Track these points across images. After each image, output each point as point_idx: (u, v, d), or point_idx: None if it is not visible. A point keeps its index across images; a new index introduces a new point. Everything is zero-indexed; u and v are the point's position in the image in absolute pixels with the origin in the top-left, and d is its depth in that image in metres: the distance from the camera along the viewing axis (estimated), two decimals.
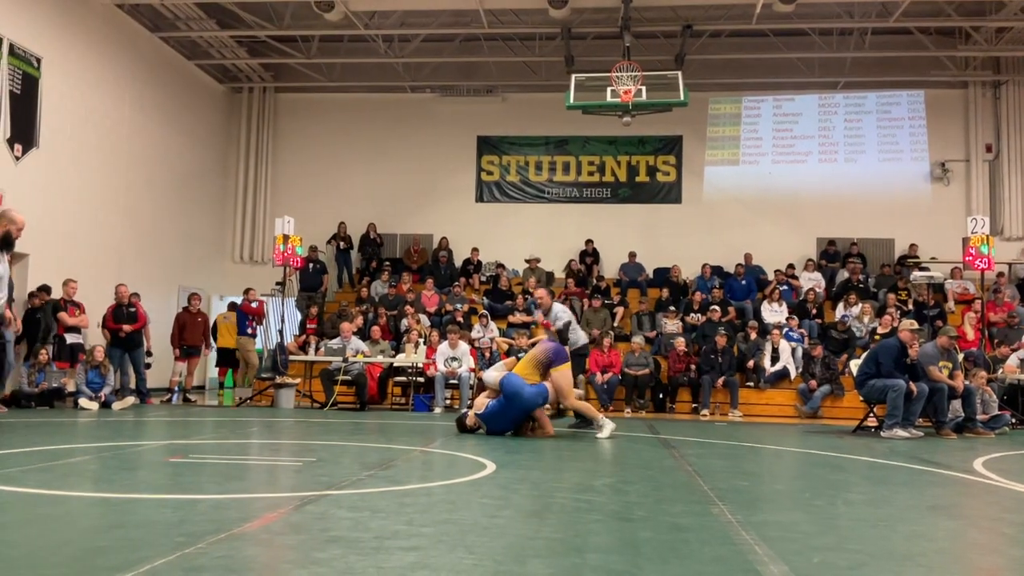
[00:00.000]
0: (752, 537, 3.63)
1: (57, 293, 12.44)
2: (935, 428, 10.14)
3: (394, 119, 19.64)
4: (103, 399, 11.59)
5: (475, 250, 18.56)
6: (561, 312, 10.23)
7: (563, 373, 8.43)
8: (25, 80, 12.89)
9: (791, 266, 17.64)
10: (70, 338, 12.43)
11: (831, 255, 18.18)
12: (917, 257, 17.67)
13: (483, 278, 18.26)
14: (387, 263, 18.29)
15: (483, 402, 8.58)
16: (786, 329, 14.84)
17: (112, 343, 12.67)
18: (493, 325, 14.99)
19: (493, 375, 8.67)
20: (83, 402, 11.38)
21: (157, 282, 16.02)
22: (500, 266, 18.10)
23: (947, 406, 10.14)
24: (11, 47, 12.59)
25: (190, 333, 14.20)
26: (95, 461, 5.96)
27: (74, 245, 13.69)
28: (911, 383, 9.70)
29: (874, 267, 17.91)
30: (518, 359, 8.92)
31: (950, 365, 10.43)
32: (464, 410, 8.87)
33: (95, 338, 13.00)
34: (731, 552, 3.37)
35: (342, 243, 18.69)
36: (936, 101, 18.70)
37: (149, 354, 13.84)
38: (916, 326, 10.45)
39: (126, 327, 12.68)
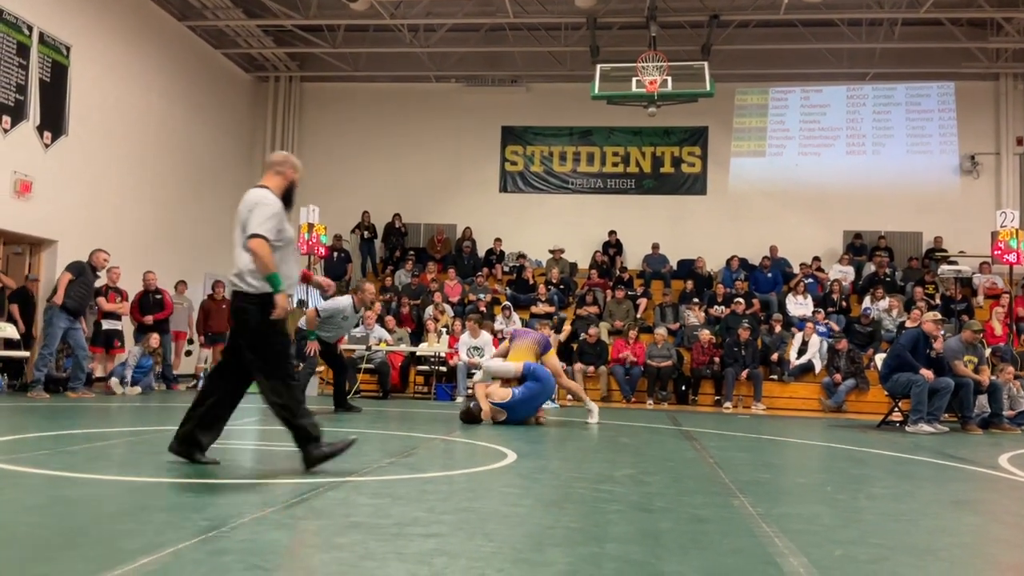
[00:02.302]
0: (773, 529, 3.62)
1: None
2: (960, 423, 10.07)
3: (419, 109, 19.67)
4: (127, 383, 11.77)
5: (498, 240, 18.56)
6: None
7: (553, 358, 9.22)
8: (55, 68, 13.02)
9: (817, 259, 17.50)
10: (107, 324, 12.55)
11: (858, 248, 18.01)
12: (945, 251, 17.48)
13: (506, 268, 18.27)
14: (411, 252, 18.35)
15: (505, 392, 8.61)
16: (814, 323, 14.75)
17: (139, 330, 12.81)
18: (516, 316, 14.99)
19: (499, 364, 8.93)
20: (112, 384, 11.58)
21: (184, 270, 16.15)
22: (522, 256, 18.09)
23: (973, 401, 10.05)
24: (41, 36, 12.72)
25: (215, 320, 14.32)
26: (121, 445, 6.04)
27: (102, 232, 13.80)
28: (926, 371, 9.62)
29: (901, 261, 17.72)
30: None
31: (975, 360, 10.33)
32: (471, 403, 8.96)
33: (128, 324, 13.15)
34: (751, 544, 3.36)
35: (366, 232, 18.76)
36: (967, 93, 18.44)
37: (191, 342, 14.00)
38: (939, 317, 10.37)
39: (149, 317, 12.79)
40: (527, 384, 8.59)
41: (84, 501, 3.88)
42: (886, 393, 10.58)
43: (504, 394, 8.60)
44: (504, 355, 9.12)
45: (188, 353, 13.74)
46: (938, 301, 15.45)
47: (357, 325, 13.71)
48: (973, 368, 10.22)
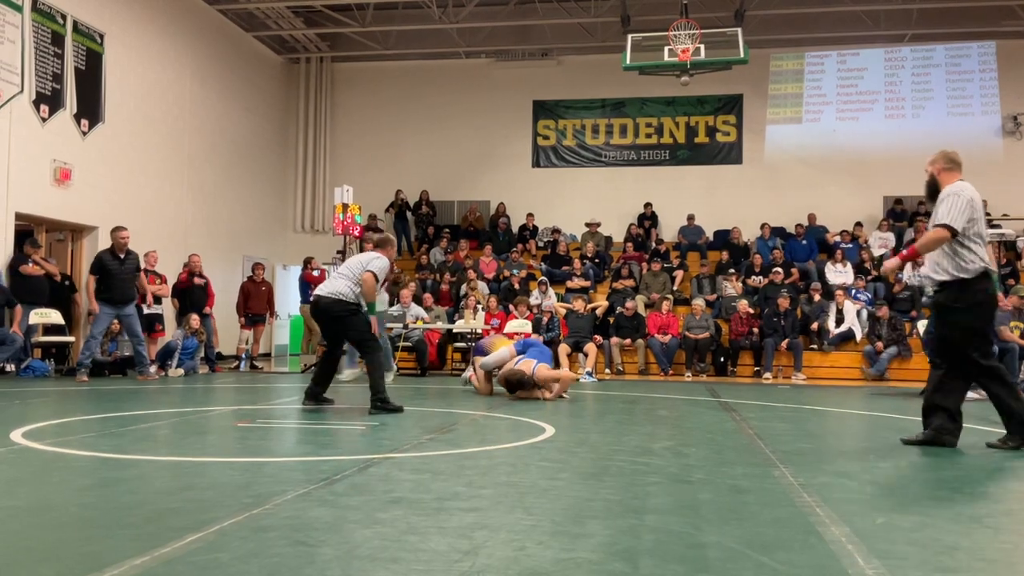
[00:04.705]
0: (814, 499, 3.60)
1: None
2: None
3: (450, 86, 19.63)
4: (169, 367, 11.95)
5: (530, 215, 18.55)
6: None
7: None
8: (89, 56, 13.16)
9: (859, 224, 17.21)
10: (147, 308, 12.70)
11: (899, 214, 17.72)
12: (988, 214, 17.11)
13: (540, 243, 18.24)
14: (446, 230, 18.37)
15: (531, 362, 8.77)
16: (853, 291, 14.57)
17: (180, 312, 12.96)
18: (552, 291, 14.99)
19: (491, 357, 9.22)
20: (151, 372, 11.77)
21: (222, 252, 16.34)
22: (556, 231, 18.05)
23: (1018, 367, 9.90)
24: (75, 24, 12.86)
25: (255, 302, 14.48)
26: (166, 426, 6.15)
27: (141, 218, 14.00)
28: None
29: None
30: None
31: (1021, 325, 10.17)
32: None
33: (169, 308, 13.31)
34: (792, 514, 3.35)
35: (403, 206, 18.81)
36: (1008, 52, 17.99)
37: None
38: None
39: (208, 308, 12.96)
40: (528, 352, 8.99)
41: (131, 481, 3.96)
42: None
43: (511, 365, 8.78)
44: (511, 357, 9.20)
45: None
46: None
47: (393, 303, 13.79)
48: (1020, 334, 10.06)
